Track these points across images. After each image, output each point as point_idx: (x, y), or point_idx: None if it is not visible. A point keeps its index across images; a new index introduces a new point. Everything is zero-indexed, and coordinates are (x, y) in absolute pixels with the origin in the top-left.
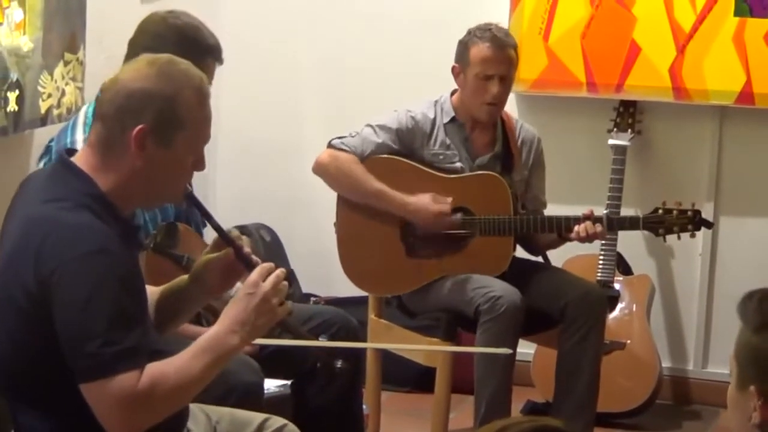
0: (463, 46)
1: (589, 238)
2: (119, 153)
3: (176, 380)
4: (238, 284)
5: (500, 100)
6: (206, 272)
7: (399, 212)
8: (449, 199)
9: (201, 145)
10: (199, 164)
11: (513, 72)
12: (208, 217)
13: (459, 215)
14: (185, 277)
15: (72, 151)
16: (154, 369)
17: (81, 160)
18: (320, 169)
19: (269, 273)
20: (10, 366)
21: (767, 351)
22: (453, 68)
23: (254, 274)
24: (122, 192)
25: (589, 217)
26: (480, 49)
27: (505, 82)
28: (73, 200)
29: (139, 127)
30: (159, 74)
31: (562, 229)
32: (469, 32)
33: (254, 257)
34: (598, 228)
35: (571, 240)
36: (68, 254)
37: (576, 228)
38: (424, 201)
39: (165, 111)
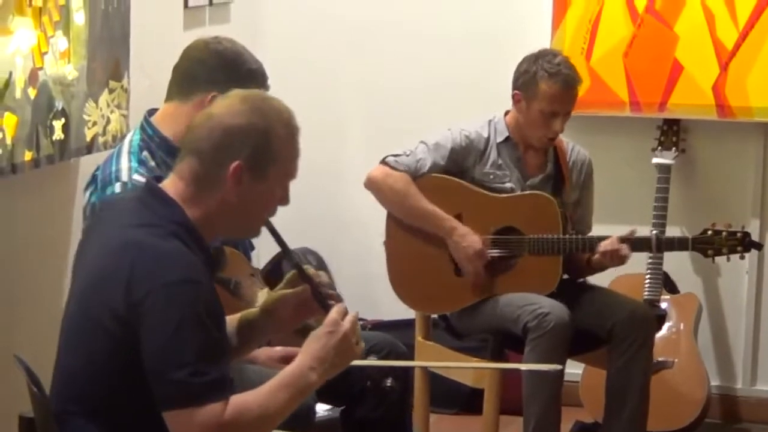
0: (530, 78)
1: (613, 258)
2: (213, 187)
3: (259, 413)
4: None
5: (560, 134)
6: (280, 307)
7: (444, 236)
8: (489, 256)
9: (289, 180)
10: (285, 199)
11: (574, 106)
12: (288, 253)
13: (483, 274)
14: (255, 310)
15: (159, 179)
16: (238, 400)
17: (170, 189)
18: (372, 185)
19: (346, 312)
20: (87, 386)
21: None
22: (514, 95)
23: (334, 313)
24: (210, 223)
25: (630, 238)
26: (550, 87)
27: (568, 117)
28: (164, 227)
29: (237, 163)
30: (253, 110)
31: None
32: (536, 61)
33: (331, 292)
34: (624, 250)
35: (597, 263)
36: (161, 281)
37: (602, 245)
38: (470, 237)
39: (260, 146)
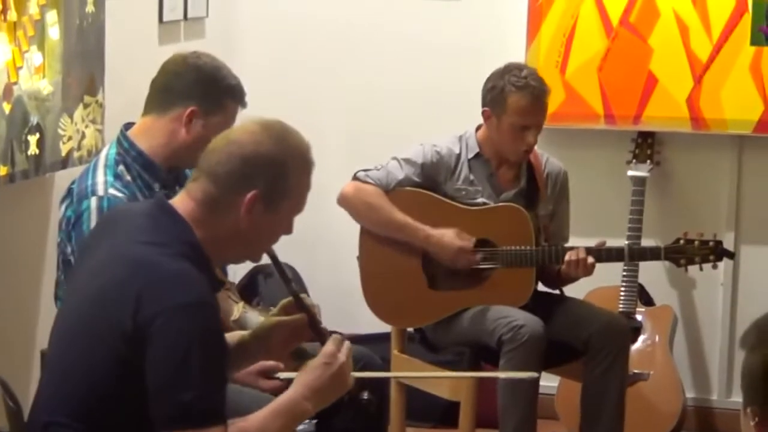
0: (498, 93)
1: (578, 268)
2: (225, 212)
3: None
4: None
5: (534, 146)
6: (273, 333)
7: (422, 245)
8: (473, 238)
9: (298, 213)
10: (290, 230)
11: (545, 117)
12: (287, 281)
13: (479, 255)
14: (246, 333)
15: (168, 196)
16: (236, 427)
17: (180, 207)
18: (344, 201)
19: (342, 344)
20: (81, 399)
21: (754, 370)
22: (484, 112)
23: (331, 345)
24: (216, 246)
25: (600, 249)
26: (518, 100)
27: (540, 128)
28: (174, 247)
29: (253, 192)
30: (274, 140)
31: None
32: (503, 76)
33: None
34: (590, 259)
35: (566, 274)
36: (170, 302)
37: (568, 255)
38: (447, 236)
39: (277, 179)
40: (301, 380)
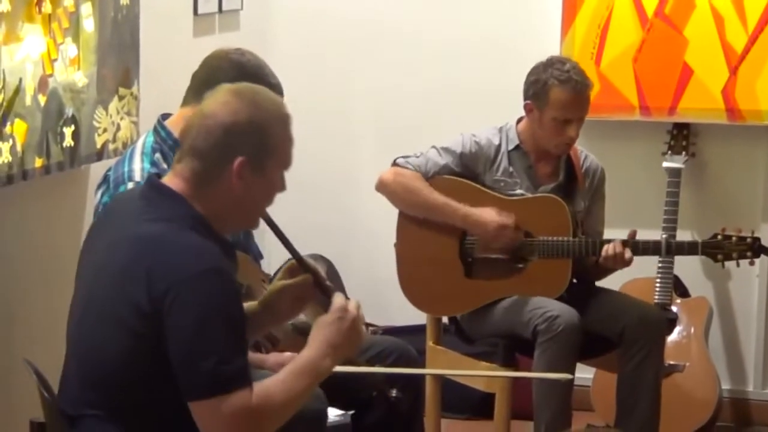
0: (541, 87)
1: (616, 261)
2: (216, 185)
3: (281, 400)
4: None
5: (575, 139)
6: (280, 298)
7: (461, 224)
8: (512, 215)
9: (286, 169)
10: (283, 186)
11: (587, 111)
12: (287, 244)
13: (521, 232)
14: (254, 303)
15: (158, 176)
16: (262, 387)
17: (172, 187)
18: (383, 186)
19: (348, 299)
20: (107, 386)
21: None
22: (526, 105)
23: (341, 299)
24: (214, 221)
25: (638, 242)
26: (561, 94)
27: (581, 122)
28: (178, 221)
29: (240, 159)
30: (248, 104)
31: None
32: (546, 70)
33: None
34: (627, 254)
35: (603, 266)
36: (183, 273)
37: (605, 248)
38: (487, 212)
39: (260, 141)
40: (317, 338)
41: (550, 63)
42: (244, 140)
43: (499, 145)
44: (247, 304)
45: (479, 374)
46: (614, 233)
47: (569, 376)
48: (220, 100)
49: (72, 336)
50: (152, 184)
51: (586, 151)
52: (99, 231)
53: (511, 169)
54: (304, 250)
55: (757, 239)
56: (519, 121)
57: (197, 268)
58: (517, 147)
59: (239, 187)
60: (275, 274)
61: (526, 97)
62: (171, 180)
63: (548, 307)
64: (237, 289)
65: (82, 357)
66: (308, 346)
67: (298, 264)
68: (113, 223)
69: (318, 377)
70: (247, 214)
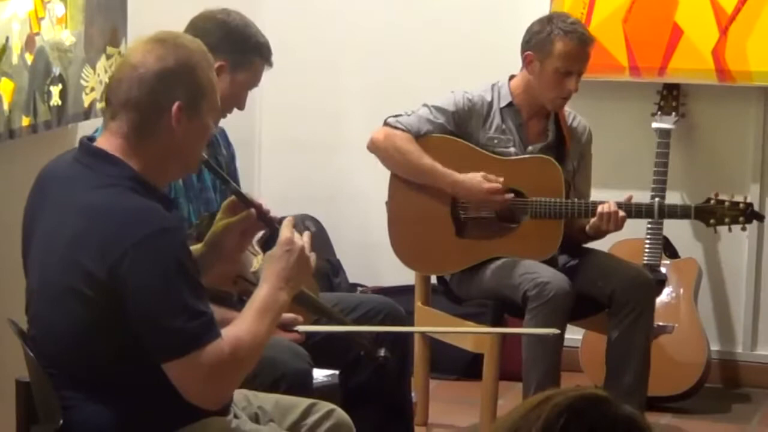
0: (545, 37)
1: (610, 221)
2: (155, 134)
3: (250, 342)
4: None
5: (573, 93)
6: (225, 237)
7: (450, 189)
8: (501, 178)
9: (217, 112)
10: (211, 127)
11: (587, 66)
12: (225, 181)
13: (511, 195)
14: (199, 245)
15: (91, 139)
16: (230, 335)
17: (107, 147)
18: (374, 146)
19: (294, 226)
20: (74, 355)
21: None
22: (526, 56)
23: (287, 231)
24: (155, 170)
25: (631, 204)
26: (566, 44)
27: (580, 76)
28: (120, 186)
29: (176, 104)
30: (174, 49)
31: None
32: (550, 22)
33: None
34: (621, 213)
35: (595, 228)
36: (135, 237)
37: (600, 207)
38: (475, 179)
39: (192, 84)
40: (269, 273)
41: (554, 16)
42: (177, 84)
43: (491, 102)
44: (194, 248)
45: (467, 331)
46: (604, 193)
47: (556, 331)
48: (146, 49)
49: (33, 316)
50: (87, 148)
51: (574, 112)
52: (41, 204)
53: (503, 126)
54: (293, 211)
55: (750, 205)
56: (511, 78)
57: (148, 230)
58: (509, 104)
59: (179, 132)
60: (263, 237)
61: (526, 48)
62: (106, 140)
63: (539, 273)
64: (186, 243)
65: (47, 336)
66: (261, 282)
67: (238, 199)
68: (56, 195)
69: (279, 311)
70: (187, 160)
